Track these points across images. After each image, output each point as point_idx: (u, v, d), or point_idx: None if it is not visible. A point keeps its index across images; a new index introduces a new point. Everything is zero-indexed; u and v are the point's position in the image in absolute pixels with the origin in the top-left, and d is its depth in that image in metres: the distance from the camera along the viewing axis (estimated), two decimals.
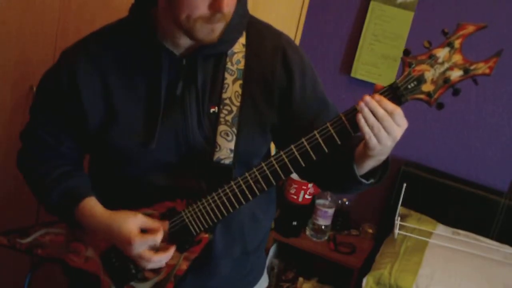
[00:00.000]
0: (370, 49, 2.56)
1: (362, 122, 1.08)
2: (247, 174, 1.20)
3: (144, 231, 1.25)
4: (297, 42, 2.63)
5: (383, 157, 1.16)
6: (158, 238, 1.24)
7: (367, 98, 1.08)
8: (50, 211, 1.36)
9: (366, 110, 1.08)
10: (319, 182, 1.40)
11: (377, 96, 1.08)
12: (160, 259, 1.25)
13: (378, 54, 2.54)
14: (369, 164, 1.17)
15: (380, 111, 1.07)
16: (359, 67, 2.58)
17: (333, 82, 2.66)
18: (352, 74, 2.61)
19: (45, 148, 1.35)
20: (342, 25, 2.63)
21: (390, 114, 1.08)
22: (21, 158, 1.41)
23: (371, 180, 1.22)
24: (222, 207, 1.23)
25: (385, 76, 2.54)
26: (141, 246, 1.23)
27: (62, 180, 1.33)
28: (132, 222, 1.24)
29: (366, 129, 1.08)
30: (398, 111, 1.08)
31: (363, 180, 1.20)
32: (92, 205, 1.30)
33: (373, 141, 1.09)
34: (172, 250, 1.26)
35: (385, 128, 1.08)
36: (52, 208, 1.34)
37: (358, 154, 1.17)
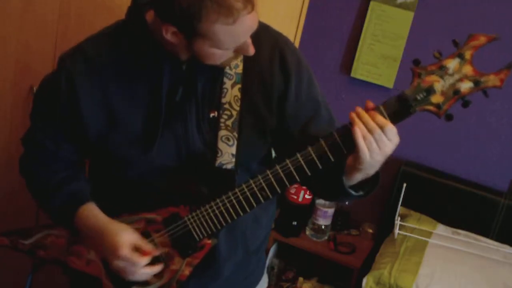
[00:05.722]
0: (370, 49, 2.55)
1: (358, 133, 1.09)
2: (251, 182, 1.19)
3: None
4: (297, 42, 2.63)
5: (371, 171, 1.16)
6: (143, 262, 1.23)
7: (359, 110, 1.09)
8: (51, 217, 1.35)
9: (359, 121, 1.09)
10: (310, 189, 1.41)
11: (371, 112, 1.09)
12: (143, 274, 1.25)
13: (378, 54, 2.53)
14: (357, 177, 1.17)
15: (371, 124, 1.08)
16: (359, 67, 2.58)
17: (333, 82, 2.65)
18: (352, 74, 2.60)
19: (45, 152, 1.34)
20: (342, 25, 2.62)
21: (382, 128, 1.08)
22: (22, 164, 1.40)
23: (360, 193, 1.22)
24: (226, 214, 1.22)
25: (385, 76, 2.53)
26: (124, 261, 1.23)
27: (62, 185, 1.32)
28: (129, 235, 1.24)
29: (360, 140, 1.09)
30: (389, 126, 1.08)
31: (351, 192, 1.20)
32: (91, 209, 1.30)
33: (365, 154, 1.09)
34: (157, 268, 1.26)
35: (376, 141, 1.09)
36: (53, 214, 1.34)
37: (348, 165, 1.17)
